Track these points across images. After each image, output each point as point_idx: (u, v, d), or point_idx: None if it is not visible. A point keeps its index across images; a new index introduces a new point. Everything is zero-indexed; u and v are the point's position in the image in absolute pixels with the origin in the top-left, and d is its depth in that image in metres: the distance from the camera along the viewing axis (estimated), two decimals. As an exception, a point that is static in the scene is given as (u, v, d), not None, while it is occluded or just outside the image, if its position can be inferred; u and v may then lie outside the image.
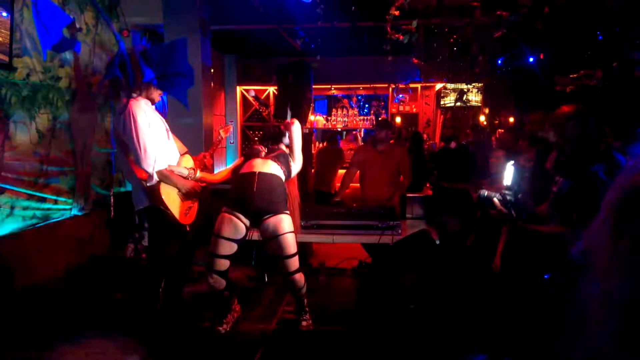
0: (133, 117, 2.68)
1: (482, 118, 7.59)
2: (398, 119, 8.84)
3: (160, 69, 2.83)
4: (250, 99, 8.05)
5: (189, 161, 3.07)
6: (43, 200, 3.93)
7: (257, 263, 4.33)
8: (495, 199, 2.25)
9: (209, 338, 2.94)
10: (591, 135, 2.09)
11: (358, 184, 4.92)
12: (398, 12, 3.93)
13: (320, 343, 2.90)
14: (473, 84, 6.43)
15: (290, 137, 3.04)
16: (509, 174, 2.51)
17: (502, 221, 2.26)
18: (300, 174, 3.28)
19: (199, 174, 2.96)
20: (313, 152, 7.52)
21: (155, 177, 2.72)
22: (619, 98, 4.44)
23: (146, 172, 2.71)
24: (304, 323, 3.07)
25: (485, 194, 2.32)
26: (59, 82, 4.09)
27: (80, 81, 4.36)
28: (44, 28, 2.60)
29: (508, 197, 2.27)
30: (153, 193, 2.75)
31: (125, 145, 2.77)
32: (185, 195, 2.89)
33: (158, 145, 2.77)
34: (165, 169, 2.79)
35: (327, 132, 7.23)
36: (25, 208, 3.74)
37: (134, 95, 2.80)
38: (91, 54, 4.56)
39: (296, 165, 3.07)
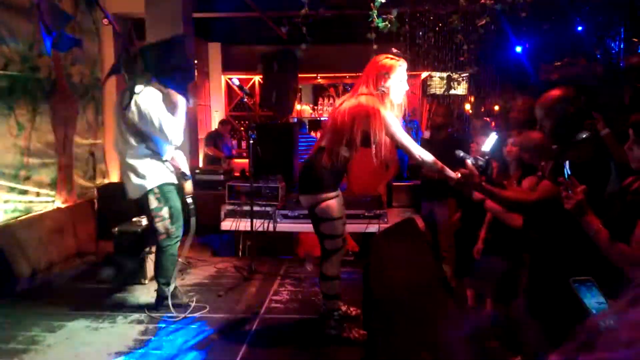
0: (147, 106, 2.87)
1: (467, 107, 7.63)
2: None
3: (161, 64, 2.91)
4: (235, 88, 7.98)
5: None
6: (24, 192, 3.87)
7: (244, 253, 4.34)
8: (468, 160, 2.36)
9: (198, 327, 2.95)
10: (572, 112, 2.14)
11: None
12: (384, -1, 3.93)
13: (307, 331, 2.92)
14: (459, 73, 6.45)
15: None
16: (490, 141, 2.60)
17: (467, 180, 2.31)
18: None
19: None
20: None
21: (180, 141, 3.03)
22: (603, 87, 4.50)
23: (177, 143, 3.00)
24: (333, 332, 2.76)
25: (461, 154, 2.43)
26: (38, 73, 4.00)
27: (60, 71, 4.28)
28: (45, 27, 2.59)
29: (480, 162, 2.38)
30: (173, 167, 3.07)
31: (140, 133, 2.94)
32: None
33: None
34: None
35: None
36: (6, 201, 3.68)
37: (142, 87, 2.93)
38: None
39: None
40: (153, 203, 3.02)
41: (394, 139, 2.53)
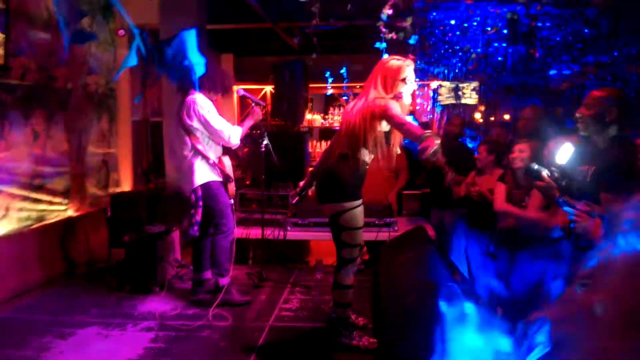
0: (202, 107, 3.21)
1: (477, 115, 7.60)
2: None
3: (173, 61, 3.00)
4: (252, 99, 8.04)
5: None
6: (38, 201, 3.92)
7: (255, 261, 4.34)
8: (544, 173, 2.26)
9: (208, 334, 2.95)
10: (615, 112, 2.15)
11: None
12: (392, 10, 3.95)
13: (317, 339, 2.91)
14: (468, 82, 6.45)
15: None
16: (565, 152, 2.44)
17: (546, 194, 2.26)
18: None
19: None
20: (310, 150, 7.50)
21: (237, 142, 3.37)
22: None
23: (234, 143, 3.33)
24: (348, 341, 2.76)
25: (535, 167, 2.31)
26: (55, 82, 4.08)
27: (75, 81, 4.36)
28: (63, 20, 2.64)
29: (556, 174, 2.26)
30: (220, 166, 3.33)
31: (189, 132, 3.24)
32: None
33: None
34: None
35: None
36: (20, 209, 3.73)
37: (197, 91, 3.24)
38: (87, 54, 4.55)
39: None
40: (199, 198, 3.29)
41: (390, 121, 2.45)
